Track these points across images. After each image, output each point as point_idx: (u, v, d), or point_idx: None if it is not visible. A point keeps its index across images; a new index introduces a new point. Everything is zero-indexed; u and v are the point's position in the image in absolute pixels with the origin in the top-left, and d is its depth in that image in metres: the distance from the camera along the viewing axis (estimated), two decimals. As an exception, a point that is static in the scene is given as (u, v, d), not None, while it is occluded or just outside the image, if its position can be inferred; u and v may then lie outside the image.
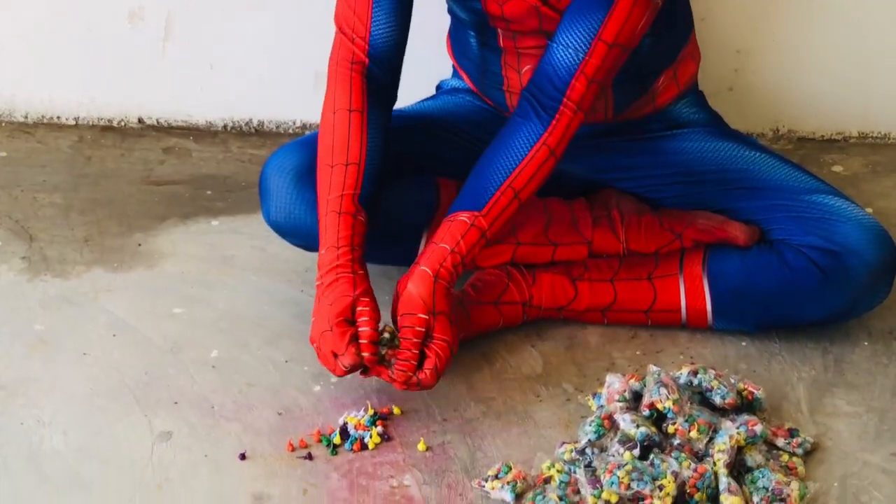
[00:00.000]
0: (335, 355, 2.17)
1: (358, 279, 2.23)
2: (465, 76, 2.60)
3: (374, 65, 2.37)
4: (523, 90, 2.30)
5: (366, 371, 2.21)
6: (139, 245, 2.74)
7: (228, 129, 3.25)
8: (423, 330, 2.19)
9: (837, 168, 3.12)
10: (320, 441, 2.18)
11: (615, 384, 2.20)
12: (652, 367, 2.18)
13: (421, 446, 2.17)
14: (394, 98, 2.44)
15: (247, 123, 3.24)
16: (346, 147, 2.31)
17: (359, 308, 2.20)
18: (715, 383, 2.18)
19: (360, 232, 2.28)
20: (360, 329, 2.18)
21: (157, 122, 3.24)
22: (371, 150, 2.32)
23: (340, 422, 2.20)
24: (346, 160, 2.30)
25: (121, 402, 2.27)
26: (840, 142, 3.24)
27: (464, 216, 2.26)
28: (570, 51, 2.23)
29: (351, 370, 2.19)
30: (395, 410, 2.25)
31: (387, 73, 2.39)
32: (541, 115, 2.26)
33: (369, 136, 2.32)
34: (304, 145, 2.44)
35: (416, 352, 2.18)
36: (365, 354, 2.17)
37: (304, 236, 2.44)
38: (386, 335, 2.21)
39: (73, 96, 3.23)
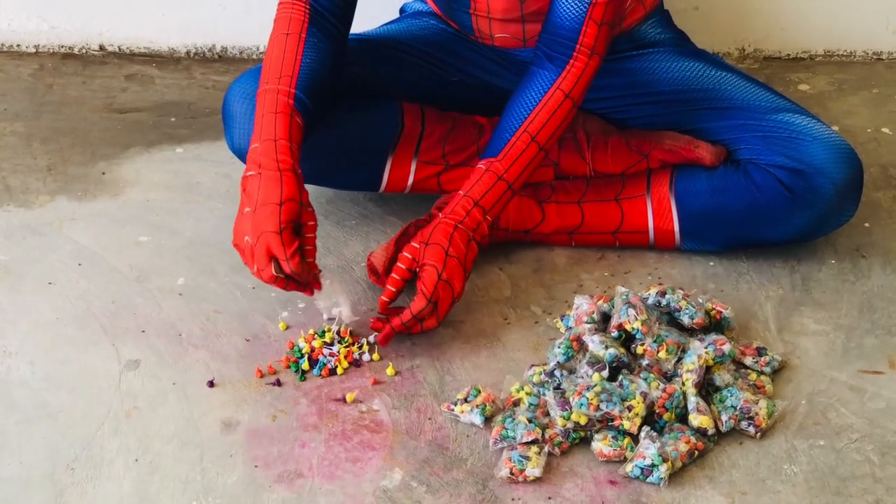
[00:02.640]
0: (273, 260, 2.11)
1: (301, 183, 2.16)
2: (429, 0, 2.58)
3: (318, 5, 2.30)
4: (537, 42, 2.30)
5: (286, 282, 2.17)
6: (103, 173, 2.72)
7: (191, 55, 3.22)
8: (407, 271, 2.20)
9: (804, 86, 3.12)
10: (289, 367, 2.17)
11: (583, 306, 2.20)
12: (620, 289, 2.18)
13: (390, 371, 2.17)
14: (342, 38, 2.36)
15: (210, 49, 3.21)
16: (281, 63, 2.25)
17: (309, 223, 2.15)
18: (683, 303, 2.18)
19: (297, 133, 2.20)
20: (306, 247, 2.15)
21: (119, 49, 3.21)
22: (306, 65, 2.25)
23: (301, 345, 2.20)
24: (280, 74, 2.24)
25: (88, 331, 2.26)
26: (806, 60, 3.24)
27: (481, 164, 2.25)
28: (575, 1, 2.23)
29: (280, 280, 2.13)
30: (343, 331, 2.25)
31: (334, 16, 2.33)
32: (554, 60, 2.26)
33: (305, 53, 2.26)
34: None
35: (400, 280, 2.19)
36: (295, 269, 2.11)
37: (267, 162, 2.41)
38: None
39: (33, 24, 3.20)
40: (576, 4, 2.23)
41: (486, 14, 2.42)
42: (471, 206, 2.23)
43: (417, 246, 2.20)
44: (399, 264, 2.21)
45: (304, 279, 2.15)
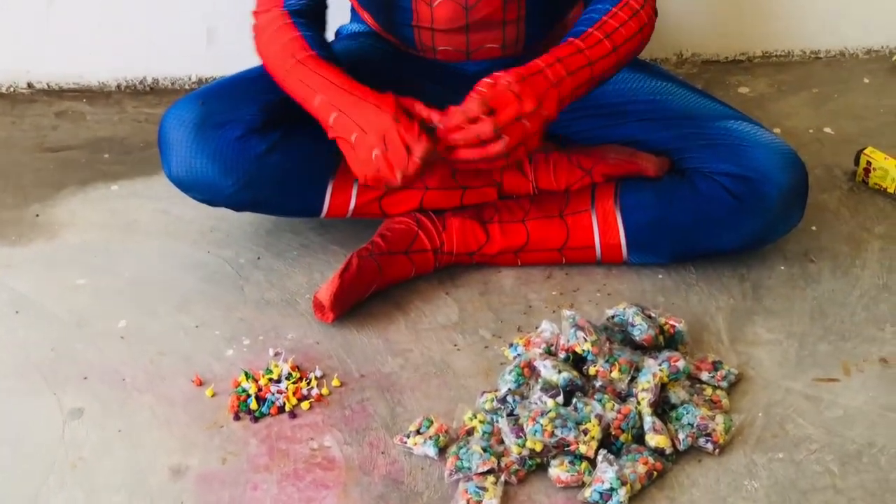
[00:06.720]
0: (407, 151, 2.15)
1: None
2: (367, 17, 2.54)
3: (295, 5, 2.35)
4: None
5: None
6: (37, 216, 2.66)
7: (122, 88, 3.17)
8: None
9: (743, 89, 3.11)
10: (238, 409, 2.12)
11: (546, 332, 2.15)
12: (566, 312, 2.14)
13: (335, 382, 2.17)
14: (323, 29, 2.43)
15: (141, 82, 3.17)
16: (292, 45, 2.29)
17: (408, 103, 2.20)
18: (638, 318, 2.15)
19: (344, 71, 2.26)
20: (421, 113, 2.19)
21: (48, 86, 3.16)
22: (311, 36, 2.31)
23: (246, 386, 2.16)
24: (294, 51, 2.29)
25: (28, 381, 2.20)
26: (745, 62, 3.23)
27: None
28: None
29: (425, 161, 2.16)
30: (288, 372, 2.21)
31: (309, 16, 2.37)
32: None
33: (305, 33, 2.31)
34: (203, 96, 2.38)
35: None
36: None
37: (206, 190, 2.37)
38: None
39: (-43, 64, 3.14)
40: None
41: (429, 26, 2.39)
42: (552, 61, 2.21)
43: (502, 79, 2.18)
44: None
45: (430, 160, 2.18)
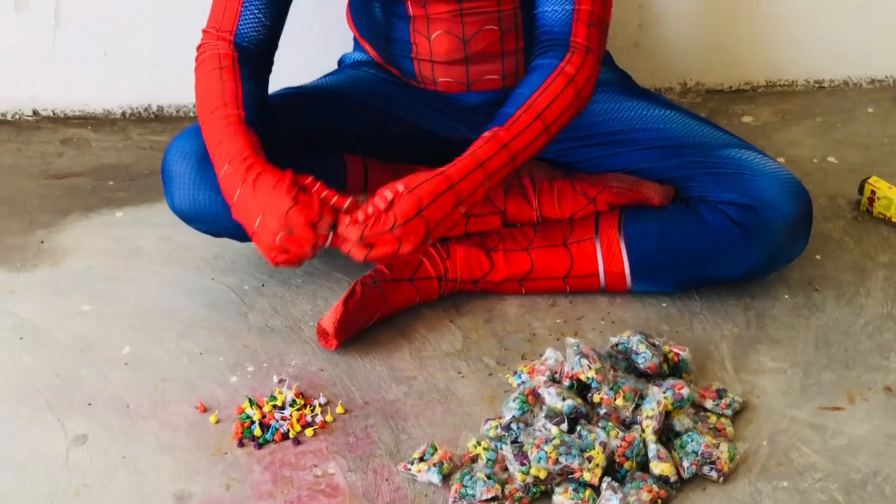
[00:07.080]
0: (312, 226, 2.10)
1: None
2: (368, 47, 2.55)
3: (241, 53, 2.31)
4: (533, 53, 2.29)
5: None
6: (42, 242, 2.66)
7: (127, 116, 3.17)
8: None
9: (747, 118, 3.11)
10: (242, 436, 2.12)
11: (550, 360, 2.16)
12: (570, 340, 2.14)
13: (339, 409, 2.17)
14: (267, 76, 2.38)
15: (146, 109, 3.17)
16: (222, 92, 2.24)
17: (306, 181, 2.13)
18: (642, 347, 2.15)
19: (256, 143, 2.18)
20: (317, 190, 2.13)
21: (53, 113, 3.16)
22: (248, 92, 2.26)
23: (250, 412, 2.15)
24: (224, 101, 2.23)
25: (32, 407, 2.20)
26: (748, 91, 3.23)
27: (486, 133, 2.19)
28: (559, 7, 2.25)
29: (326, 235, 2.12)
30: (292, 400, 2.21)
31: (256, 55, 2.34)
32: (552, 54, 2.25)
33: (243, 82, 2.26)
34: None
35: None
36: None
37: (209, 222, 2.38)
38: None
39: (-37, 91, 3.15)
40: (560, 10, 2.25)
41: (428, 58, 2.40)
42: (473, 167, 2.16)
43: (401, 189, 2.12)
44: (375, 201, 2.12)
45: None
